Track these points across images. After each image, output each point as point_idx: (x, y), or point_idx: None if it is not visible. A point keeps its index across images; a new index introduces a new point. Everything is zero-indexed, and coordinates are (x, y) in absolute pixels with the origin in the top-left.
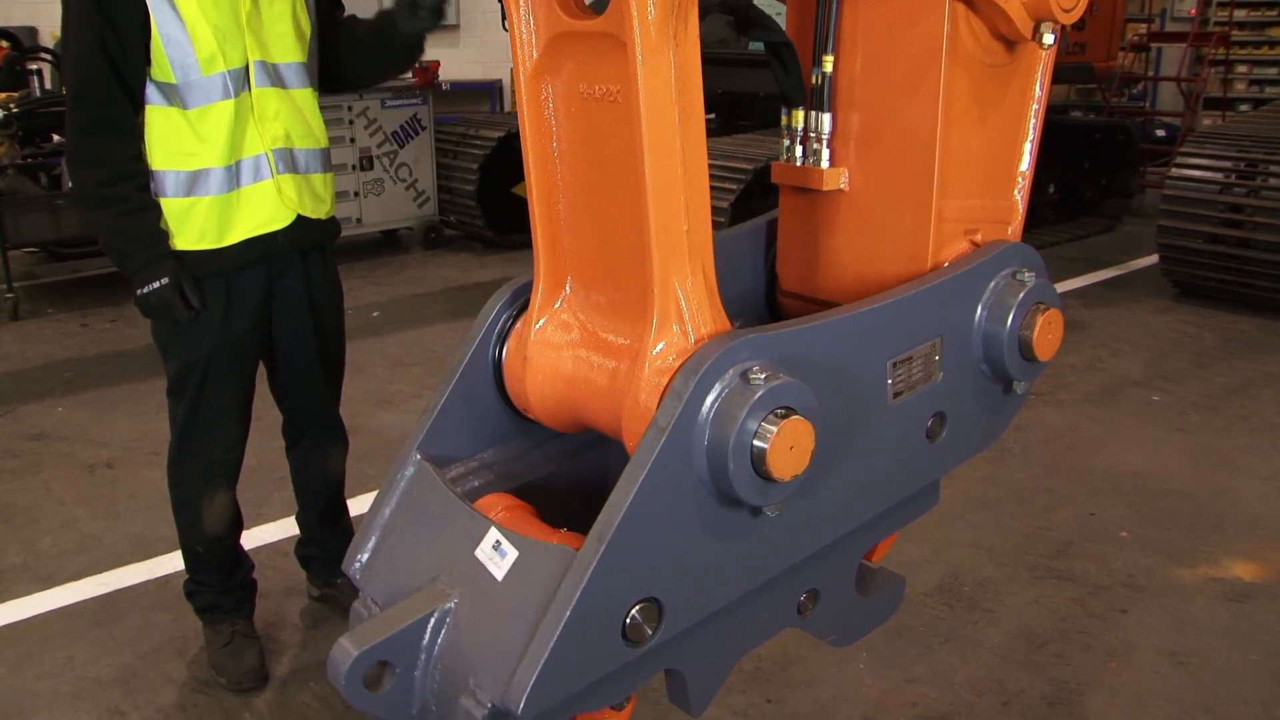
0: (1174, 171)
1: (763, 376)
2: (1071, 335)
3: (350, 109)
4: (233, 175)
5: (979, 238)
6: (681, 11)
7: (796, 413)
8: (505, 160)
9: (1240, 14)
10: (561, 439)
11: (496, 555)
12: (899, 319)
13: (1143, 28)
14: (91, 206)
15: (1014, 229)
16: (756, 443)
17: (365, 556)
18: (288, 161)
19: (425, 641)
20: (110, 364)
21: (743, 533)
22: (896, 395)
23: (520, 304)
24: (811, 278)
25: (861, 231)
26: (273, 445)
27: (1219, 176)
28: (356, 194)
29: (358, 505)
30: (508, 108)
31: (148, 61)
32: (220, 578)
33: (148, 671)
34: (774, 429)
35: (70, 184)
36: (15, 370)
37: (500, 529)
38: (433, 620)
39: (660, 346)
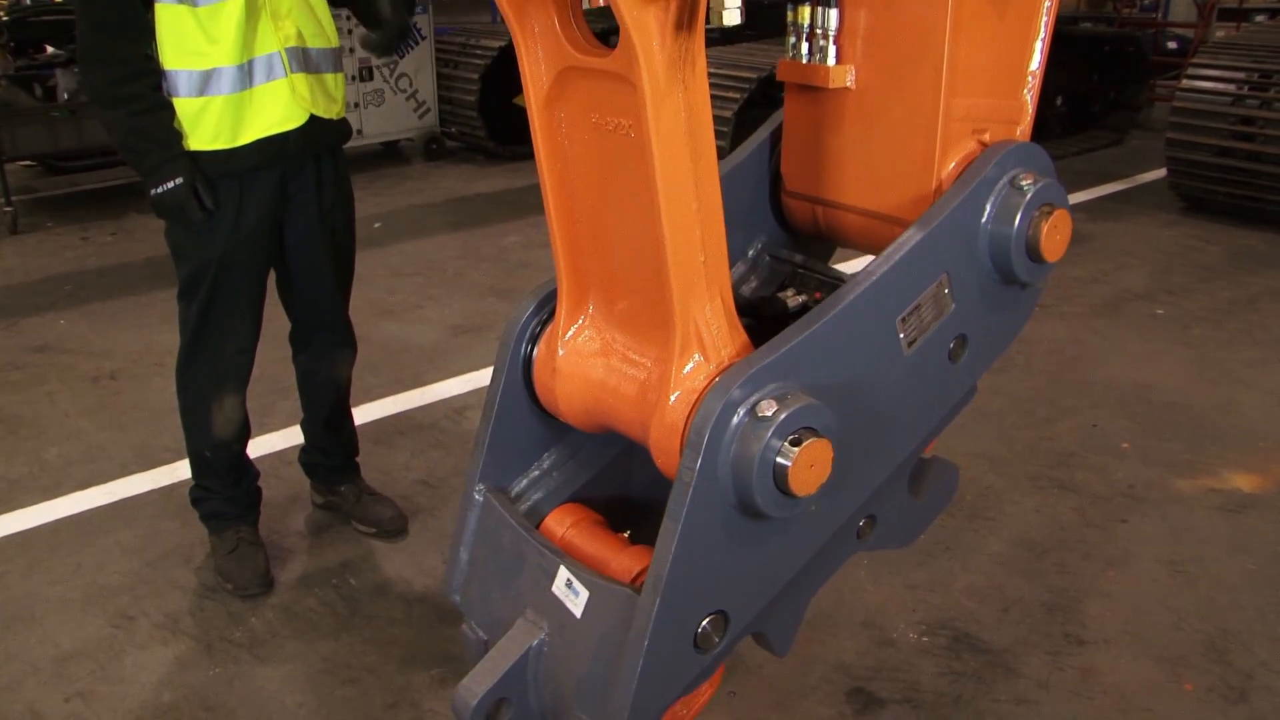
0: (1184, 83)
1: (771, 410)
2: (1076, 248)
3: (349, 18)
4: (245, 74)
5: (987, 138)
6: (689, 56)
7: (815, 433)
8: (506, 71)
9: None
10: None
11: (571, 593)
12: (896, 282)
13: None
14: (105, 106)
15: (1023, 129)
16: (779, 461)
17: (460, 586)
18: (301, 60)
19: (529, 673)
20: (111, 277)
21: (787, 528)
22: (910, 344)
23: (547, 311)
24: (816, 178)
25: (867, 131)
26: (275, 356)
27: (1231, 88)
28: (356, 105)
29: (360, 415)
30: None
31: None
32: (226, 484)
33: (155, 578)
34: (795, 452)
35: (82, 83)
36: (16, 284)
37: (569, 566)
38: (531, 654)
39: (685, 370)
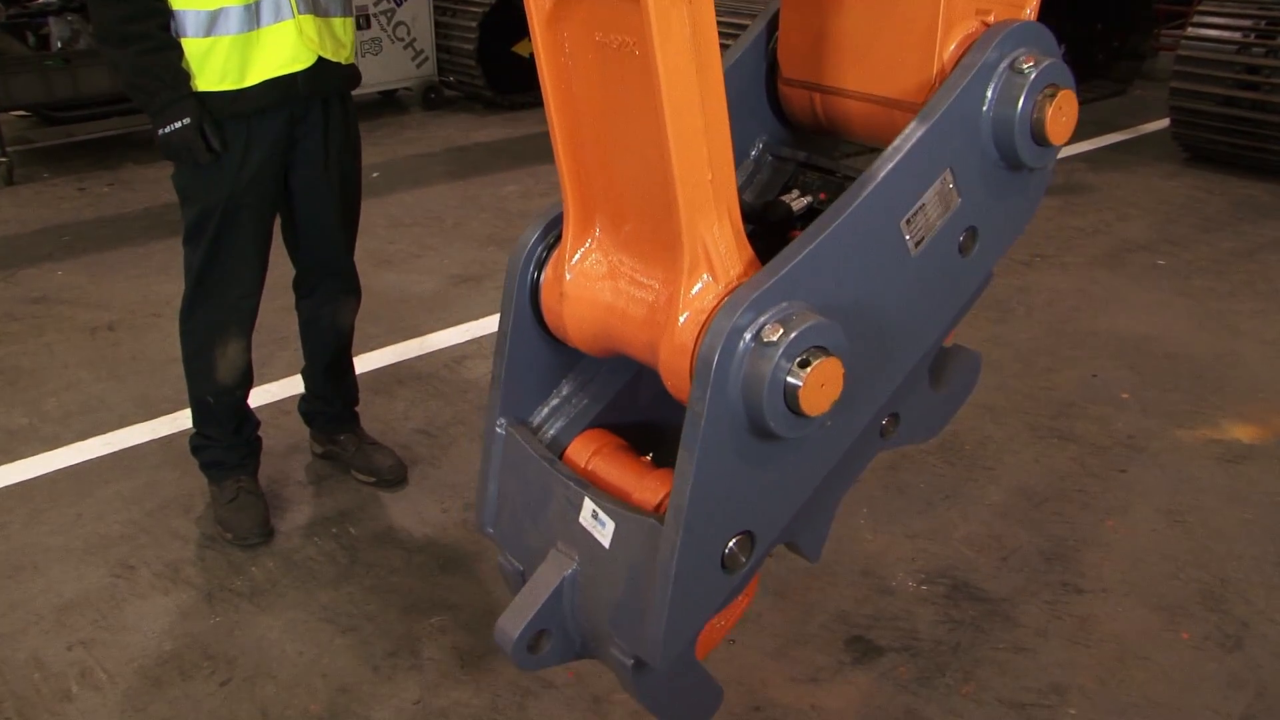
0: (1190, 31)
1: (778, 335)
2: (1078, 198)
3: None
4: (252, 14)
5: (991, 18)
6: None
7: (824, 352)
8: (505, 19)
9: None
10: None
11: (598, 524)
12: (898, 184)
13: None
14: (113, 44)
15: (1030, 9)
16: (789, 382)
17: (492, 519)
18: (309, 2)
19: (565, 604)
20: (108, 228)
21: (805, 446)
22: (918, 245)
23: (553, 236)
24: (814, 63)
25: (867, 10)
26: (275, 305)
27: (1237, 36)
28: None
29: (360, 364)
30: None
31: None
32: (227, 433)
33: (155, 528)
34: (804, 373)
35: (92, 21)
36: (13, 235)
37: (593, 498)
38: (564, 585)
39: (693, 291)
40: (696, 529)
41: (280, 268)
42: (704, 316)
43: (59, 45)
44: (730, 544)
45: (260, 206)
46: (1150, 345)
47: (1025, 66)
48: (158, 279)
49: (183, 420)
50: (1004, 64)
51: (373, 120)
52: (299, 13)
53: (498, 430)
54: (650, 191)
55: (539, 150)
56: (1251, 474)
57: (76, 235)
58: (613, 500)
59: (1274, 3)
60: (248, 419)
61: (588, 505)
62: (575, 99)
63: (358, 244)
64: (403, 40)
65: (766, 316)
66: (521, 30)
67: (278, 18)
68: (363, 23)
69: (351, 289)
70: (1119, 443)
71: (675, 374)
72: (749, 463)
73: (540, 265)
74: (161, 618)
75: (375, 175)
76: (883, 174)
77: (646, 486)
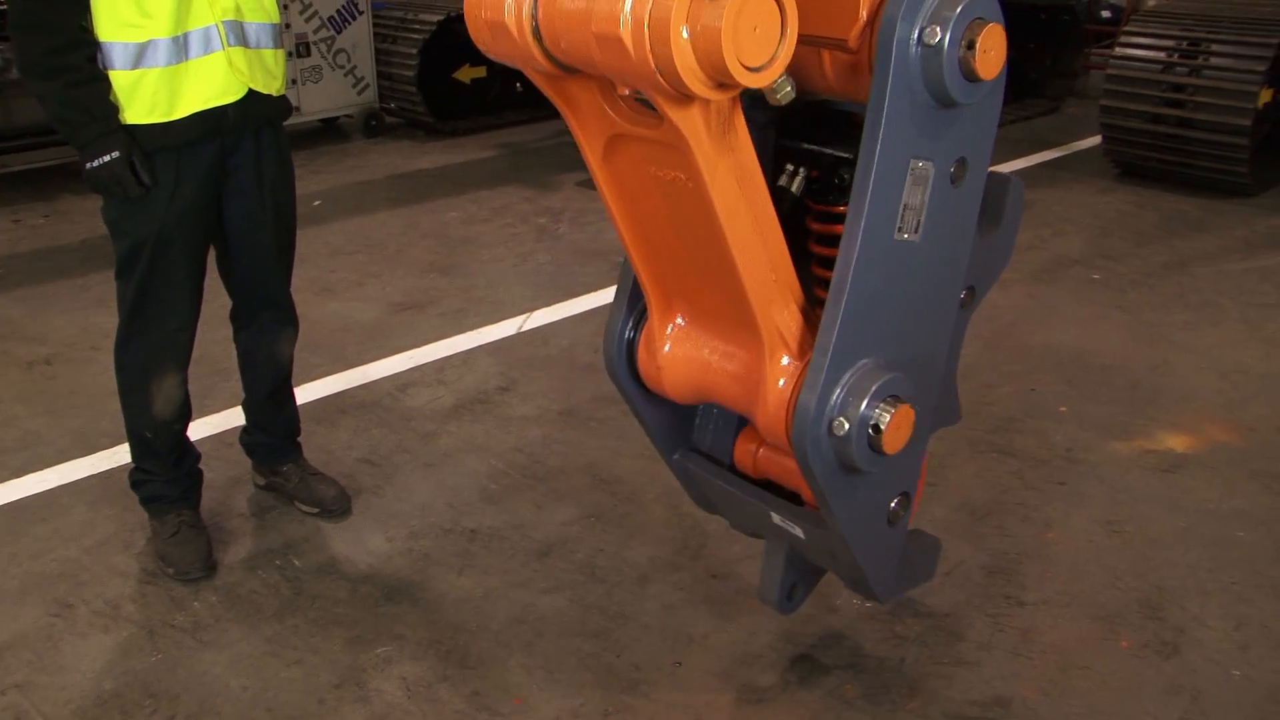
0: (1117, 51)
1: (847, 427)
2: None
3: None
4: (180, 47)
5: None
6: (730, 124)
7: (897, 401)
8: (445, 45)
9: None
10: None
11: (788, 524)
12: (879, 210)
13: None
14: (38, 76)
15: None
16: (871, 434)
17: (706, 507)
18: (238, 34)
19: (795, 564)
20: (45, 260)
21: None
22: (918, 229)
23: (636, 316)
24: None
25: None
26: (215, 337)
27: (1162, 56)
28: (294, 81)
29: (302, 394)
30: None
31: None
32: (167, 466)
33: (94, 565)
34: (880, 436)
35: (15, 53)
36: None
37: (774, 507)
38: (789, 555)
39: (777, 366)
40: (858, 534)
41: (221, 298)
42: (789, 394)
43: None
44: (892, 506)
45: (192, 239)
46: (1087, 358)
47: (947, 13)
48: (96, 311)
49: (123, 455)
50: (928, 3)
51: (314, 148)
52: (228, 45)
53: (675, 460)
54: (722, 285)
55: (480, 176)
56: (1186, 482)
57: (11, 268)
58: (790, 507)
59: (1194, 24)
60: (187, 452)
61: (774, 516)
62: (639, 214)
63: (299, 273)
64: (343, 67)
65: (839, 395)
66: (462, 56)
67: (207, 50)
68: (302, 50)
69: (289, 320)
70: (1058, 455)
71: (774, 438)
72: (861, 490)
73: (632, 349)
74: (101, 657)
75: (317, 203)
76: (864, 210)
77: None
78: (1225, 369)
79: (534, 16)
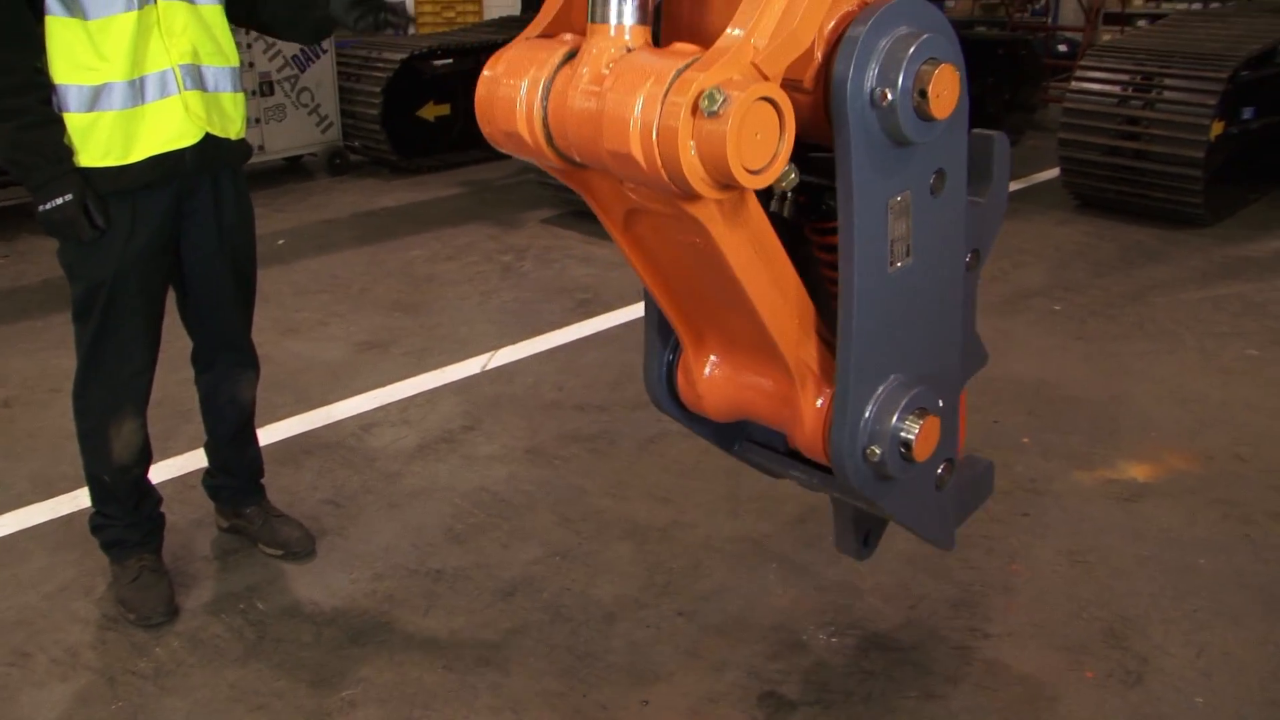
0: (1074, 85)
1: (880, 452)
2: None
3: (248, 32)
4: (136, 90)
5: None
6: (743, 200)
7: (924, 414)
8: (409, 83)
9: None
10: None
11: (847, 499)
12: (867, 249)
13: None
14: None
15: None
16: (905, 436)
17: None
18: (195, 78)
19: (864, 517)
20: (4, 301)
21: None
22: (908, 253)
23: (669, 356)
24: (696, 33)
25: None
26: (177, 378)
27: (1117, 90)
28: (258, 120)
29: (265, 435)
30: (411, 30)
31: None
32: (127, 510)
33: (53, 612)
34: (915, 429)
35: None
36: None
37: (834, 488)
38: (857, 511)
39: (808, 397)
40: (911, 514)
41: (183, 339)
42: (823, 418)
43: None
44: (939, 472)
45: (149, 283)
46: (1048, 390)
47: (900, 54)
48: (56, 353)
49: (82, 499)
50: (883, 42)
51: (278, 187)
52: (185, 89)
53: (735, 450)
54: (748, 327)
55: (445, 214)
56: (1147, 511)
57: None
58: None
59: (1147, 58)
60: (148, 495)
61: (834, 491)
62: (663, 270)
63: (263, 312)
64: (307, 106)
65: (865, 425)
66: (426, 94)
67: (163, 94)
68: (266, 89)
69: (249, 363)
70: (1021, 487)
71: (814, 457)
72: (896, 489)
73: (671, 378)
74: (59, 706)
75: (281, 242)
76: (854, 263)
77: None
78: (1184, 397)
79: (545, 125)
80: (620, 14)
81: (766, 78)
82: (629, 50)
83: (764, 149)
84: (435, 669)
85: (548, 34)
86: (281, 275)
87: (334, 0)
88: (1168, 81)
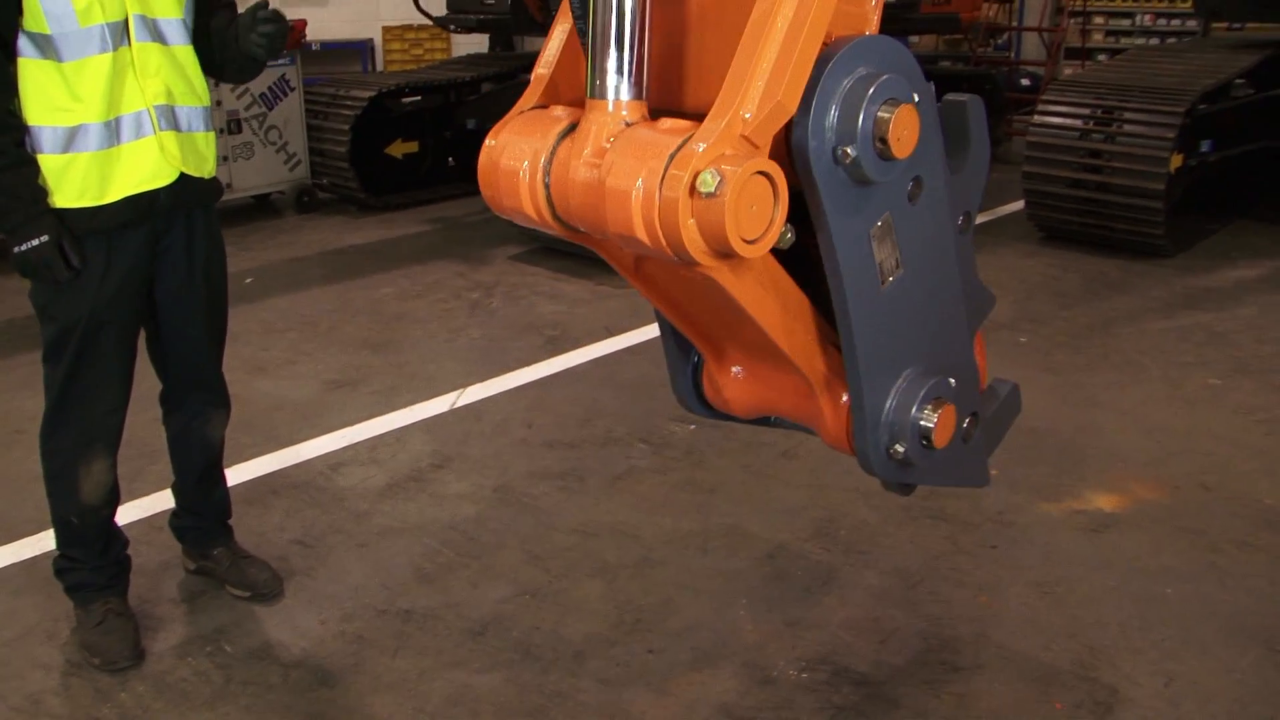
0: (1036, 119)
1: (902, 448)
2: None
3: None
4: (112, 131)
5: (830, 36)
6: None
7: (941, 403)
8: (377, 120)
9: None
10: None
11: None
12: (855, 273)
13: None
14: None
15: (871, 26)
16: (924, 426)
17: None
18: (170, 118)
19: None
20: None
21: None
22: (898, 265)
23: (691, 370)
24: (675, 89)
25: (710, 30)
26: (144, 419)
27: (1078, 123)
28: (225, 158)
29: (233, 475)
30: (379, 66)
31: (19, 11)
32: (93, 553)
33: (15, 658)
34: (936, 415)
35: None
36: None
37: None
38: None
39: (829, 397)
40: (943, 475)
41: (150, 379)
42: (844, 417)
43: None
44: (964, 426)
45: (123, 322)
46: (1016, 421)
47: (862, 93)
48: (19, 394)
49: (46, 542)
50: (845, 82)
51: (246, 225)
52: (160, 129)
53: (773, 422)
54: (766, 341)
55: (413, 251)
56: (1115, 541)
57: None
58: None
59: (1107, 92)
60: (115, 538)
61: None
62: (677, 301)
63: (231, 351)
64: (274, 144)
65: (884, 426)
66: (394, 131)
67: (138, 134)
68: (234, 127)
69: (221, 402)
70: (989, 519)
71: (841, 451)
72: (914, 465)
73: (697, 384)
74: None
75: (249, 281)
76: (846, 291)
77: None
78: (1149, 427)
79: (548, 197)
80: (618, 90)
81: (757, 147)
82: (627, 125)
83: (760, 219)
84: (405, 710)
85: (541, 105)
86: (250, 314)
87: (240, 28)
88: (1128, 115)
